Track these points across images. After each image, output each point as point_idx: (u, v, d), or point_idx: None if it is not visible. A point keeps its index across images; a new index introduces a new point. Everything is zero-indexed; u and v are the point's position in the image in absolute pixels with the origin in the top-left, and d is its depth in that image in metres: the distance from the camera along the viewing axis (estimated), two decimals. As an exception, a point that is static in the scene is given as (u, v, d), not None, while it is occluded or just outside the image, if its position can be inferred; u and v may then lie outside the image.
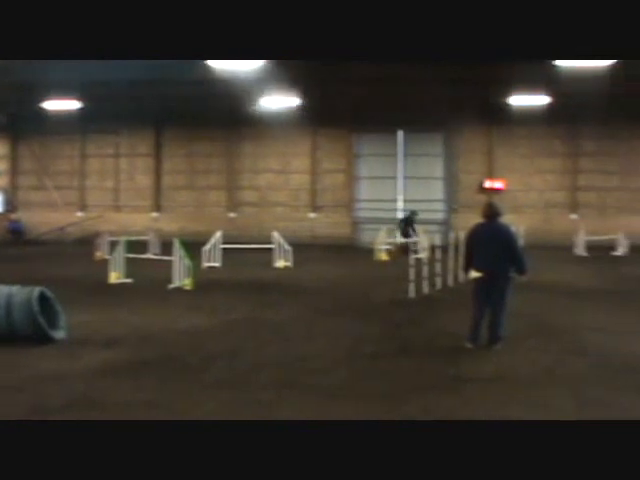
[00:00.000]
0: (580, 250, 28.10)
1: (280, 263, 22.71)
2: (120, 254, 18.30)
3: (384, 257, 25.65)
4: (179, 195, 37.18)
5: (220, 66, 20.65)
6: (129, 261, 18.80)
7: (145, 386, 8.23)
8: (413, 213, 28.90)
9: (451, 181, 34.56)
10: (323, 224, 35.05)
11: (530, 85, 26.02)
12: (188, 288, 16.90)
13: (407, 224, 28.27)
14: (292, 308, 14.31)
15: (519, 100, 29.04)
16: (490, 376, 8.94)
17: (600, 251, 28.03)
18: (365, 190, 35.05)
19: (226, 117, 35.06)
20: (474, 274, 10.41)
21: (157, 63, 20.72)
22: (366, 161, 35.10)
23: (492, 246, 10.28)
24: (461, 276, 15.04)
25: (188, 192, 37.05)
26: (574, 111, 32.50)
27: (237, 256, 24.27)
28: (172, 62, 20.62)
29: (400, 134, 34.74)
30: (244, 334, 11.59)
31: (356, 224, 34.93)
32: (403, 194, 34.68)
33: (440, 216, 34.21)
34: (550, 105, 29.75)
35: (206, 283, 17.83)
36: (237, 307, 14.33)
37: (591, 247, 28.41)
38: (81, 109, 31.84)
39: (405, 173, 34.75)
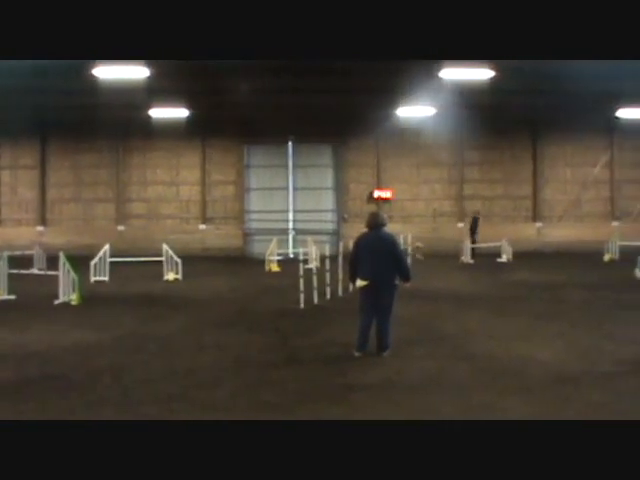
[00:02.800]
0: (467, 257, 28.81)
1: (170, 276, 22.41)
2: (2, 269, 17.69)
3: (275, 267, 25.72)
4: (65, 208, 36.19)
5: (106, 75, 20.21)
6: (12, 277, 18.20)
7: (27, 406, 7.98)
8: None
9: (341, 191, 34.95)
10: (214, 236, 34.84)
11: (416, 96, 26.54)
12: (75, 303, 16.50)
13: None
14: (181, 321, 14.17)
15: (406, 111, 29.58)
16: (378, 383, 9.07)
17: (486, 258, 28.85)
18: (256, 201, 34.98)
19: (113, 128, 34.39)
20: (360, 283, 10.56)
21: (39, 71, 20.23)
22: (256, 172, 35.06)
23: (377, 255, 10.45)
24: (350, 285, 15.24)
25: (75, 205, 36.11)
26: (459, 122, 33.39)
27: (126, 270, 23.85)
28: (56, 70, 20.14)
29: (290, 145, 34.88)
30: (131, 349, 11.40)
31: (247, 235, 34.84)
32: (294, 205, 34.84)
33: (330, 226, 34.51)
34: (436, 116, 30.45)
35: (94, 298, 17.46)
36: (125, 321, 14.09)
37: (477, 254, 29.20)
38: (-41, 120, 30.68)
39: (295, 184, 34.90)
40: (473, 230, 31.09)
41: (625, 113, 30.52)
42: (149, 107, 28.40)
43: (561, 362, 10.22)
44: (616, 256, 29.01)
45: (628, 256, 25.73)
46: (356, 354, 10.58)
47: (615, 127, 34.07)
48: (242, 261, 31.22)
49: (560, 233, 34.54)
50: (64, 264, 16.83)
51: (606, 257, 29.23)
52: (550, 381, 9.11)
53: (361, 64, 20.73)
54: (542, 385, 8.93)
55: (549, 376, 9.35)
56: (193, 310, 15.73)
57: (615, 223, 35.04)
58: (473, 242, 30.37)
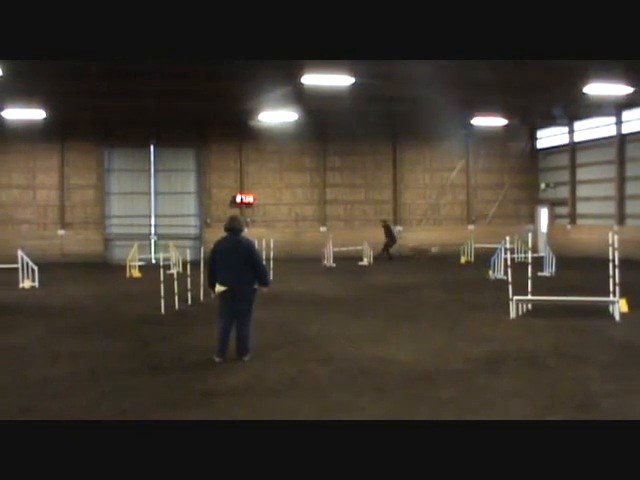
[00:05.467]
0: (329, 261, 29.17)
1: (26, 283, 21.65)
2: None
3: (136, 273, 25.26)
4: None
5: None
6: None
7: None
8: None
9: (203, 196, 34.71)
10: (73, 241, 33.82)
11: (279, 102, 26.72)
12: None
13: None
14: (36, 330, 13.71)
15: (269, 116, 29.74)
16: (238, 388, 9.09)
17: (347, 261, 29.34)
18: (117, 206, 34.23)
19: (-36, 130, 32.88)
20: (219, 288, 10.55)
21: None
22: (117, 176, 34.31)
23: (234, 260, 10.47)
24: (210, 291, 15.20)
25: None
26: (321, 128, 33.86)
27: (-22, 277, 22.88)
28: None
29: (152, 149, 34.36)
30: (-18, 360, 10.97)
31: (108, 241, 34.03)
32: (156, 210, 34.34)
33: (193, 231, 34.24)
34: (298, 122, 30.76)
35: (-59, 307, 16.68)
36: (-25, 332, 13.52)
37: (339, 258, 29.63)
38: None
39: (157, 188, 34.39)
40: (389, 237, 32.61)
41: (479, 121, 31.80)
42: (3, 108, 27.32)
43: (416, 361, 10.53)
44: (471, 258, 30.12)
45: (482, 258, 26.80)
46: (216, 359, 10.55)
47: (470, 134, 35.40)
48: (103, 267, 30.52)
49: (419, 236, 35.49)
50: None
51: (462, 259, 30.33)
52: (405, 380, 9.38)
53: (224, 68, 20.73)
54: (397, 384, 9.18)
55: (404, 375, 9.63)
56: (50, 318, 15.24)
57: (471, 226, 36.37)
58: (388, 246, 32.32)
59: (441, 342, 12.10)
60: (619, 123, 31.15)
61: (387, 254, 31.83)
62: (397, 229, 35.59)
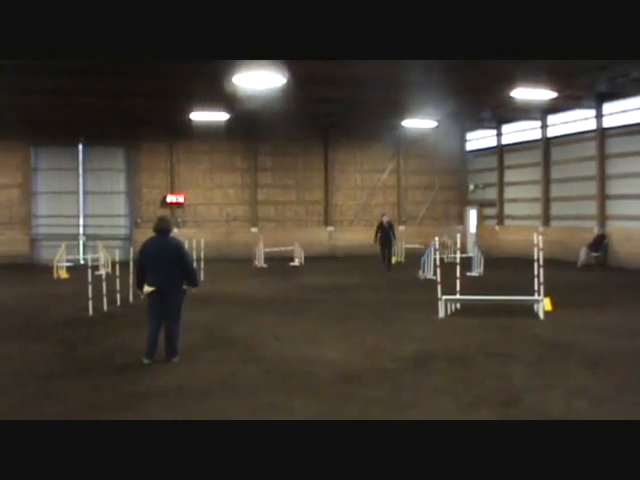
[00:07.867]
0: (260, 262, 29.11)
1: (-52, 285, 21.10)
2: None
3: (64, 274, 24.82)
4: None
5: None
6: None
7: None
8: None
9: (134, 196, 34.29)
10: (-3, 242, 33.05)
11: (210, 101, 26.55)
12: None
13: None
14: (-41, 333, 13.39)
15: (200, 116, 29.54)
16: (168, 390, 9.02)
17: (279, 262, 29.35)
18: (44, 206, 33.55)
19: None
20: (147, 289, 10.46)
21: None
22: (45, 175, 33.63)
23: (163, 260, 10.40)
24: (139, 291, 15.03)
25: None
26: (252, 128, 33.77)
27: None
28: None
29: (81, 148, 33.78)
30: None
31: (34, 241, 33.34)
32: (84, 209, 33.77)
33: (123, 231, 33.80)
34: (230, 122, 30.60)
35: None
36: None
37: (270, 258, 29.58)
38: None
39: (86, 188, 33.83)
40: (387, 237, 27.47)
41: (410, 122, 32.11)
42: None
43: (346, 361, 10.61)
44: (402, 258, 30.41)
45: (413, 258, 27.08)
46: (145, 361, 10.46)
47: (401, 136, 35.69)
48: (29, 268, 29.86)
49: (351, 237, 35.69)
50: None
51: (393, 259, 30.57)
52: (335, 380, 9.44)
53: (156, 67, 20.48)
54: (327, 384, 9.24)
55: (334, 375, 9.69)
56: (-28, 321, 14.90)
57: (401, 227, 36.68)
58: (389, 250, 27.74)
59: (371, 342, 12.20)
60: (544, 127, 31.84)
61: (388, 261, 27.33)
62: (328, 229, 35.82)
